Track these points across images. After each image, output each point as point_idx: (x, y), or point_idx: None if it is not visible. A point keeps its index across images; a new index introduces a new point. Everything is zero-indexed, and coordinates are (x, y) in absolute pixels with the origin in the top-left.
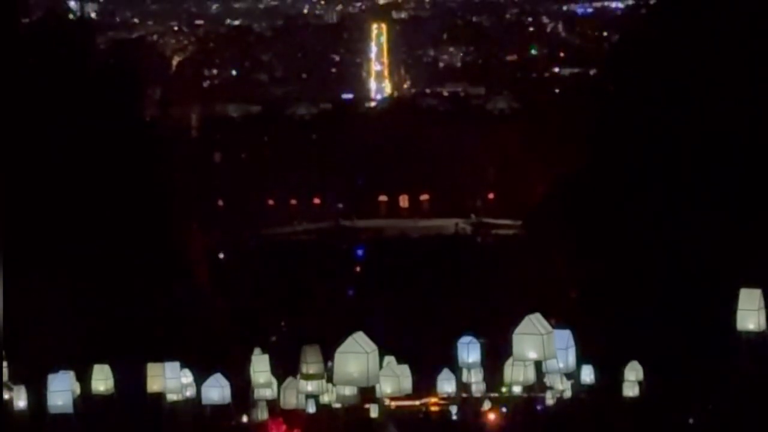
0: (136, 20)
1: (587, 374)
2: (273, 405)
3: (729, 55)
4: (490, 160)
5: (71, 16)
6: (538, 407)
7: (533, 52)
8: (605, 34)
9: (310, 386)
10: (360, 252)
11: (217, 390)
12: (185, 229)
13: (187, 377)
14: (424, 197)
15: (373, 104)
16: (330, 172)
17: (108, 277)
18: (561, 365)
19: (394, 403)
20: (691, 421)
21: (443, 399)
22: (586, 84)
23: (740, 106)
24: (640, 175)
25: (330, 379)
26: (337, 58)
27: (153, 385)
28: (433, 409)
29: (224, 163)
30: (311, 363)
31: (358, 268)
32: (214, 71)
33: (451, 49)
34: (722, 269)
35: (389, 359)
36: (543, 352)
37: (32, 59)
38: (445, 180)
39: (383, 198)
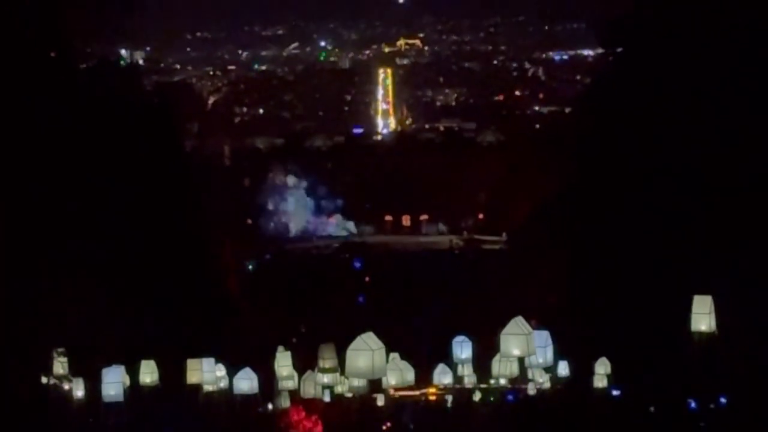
0: (177, 66)
1: (563, 368)
2: (294, 394)
3: (690, 90)
4: (480, 186)
5: (122, 62)
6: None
7: (517, 93)
8: (578, 77)
9: (326, 378)
10: (368, 264)
11: (246, 382)
12: (219, 244)
13: (221, 371)
14: (424, 217)
15: (379, 138)
16: (343, 195)
17: (155, 285)
18: (541, 360)
19: (398, 393)
20: (651, 409)
21: (440, 389)
22: (562, 120)
23: (699, 130)
24: (609, 197)
25: (343, 372)
26: (349, 98)
27: (192, 378)
28: (431, 398)
29: (252, 188)
30: (327, 358)
31: (366, 278)
32: (244, 109)
33: (447, 90)
34: (680, 278)
35: (394, 355)
36: (526, 349)
37: (88, 99)
38: (442, 202)
39: (388, 217)
